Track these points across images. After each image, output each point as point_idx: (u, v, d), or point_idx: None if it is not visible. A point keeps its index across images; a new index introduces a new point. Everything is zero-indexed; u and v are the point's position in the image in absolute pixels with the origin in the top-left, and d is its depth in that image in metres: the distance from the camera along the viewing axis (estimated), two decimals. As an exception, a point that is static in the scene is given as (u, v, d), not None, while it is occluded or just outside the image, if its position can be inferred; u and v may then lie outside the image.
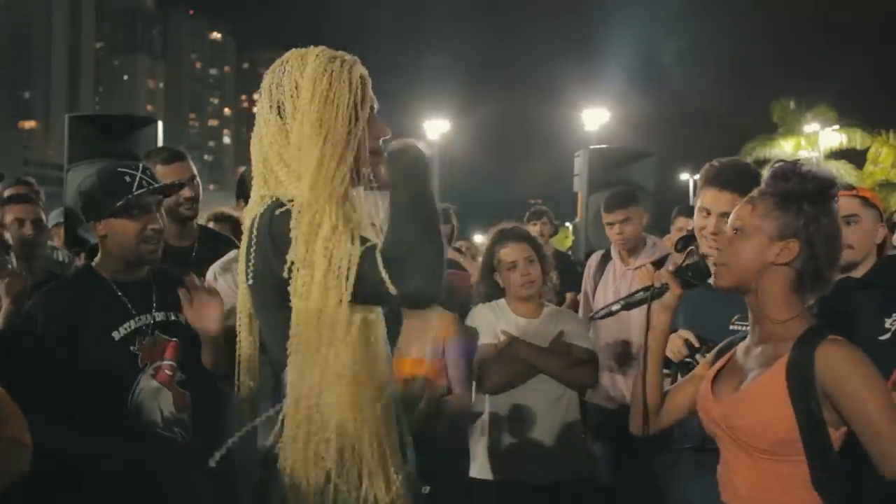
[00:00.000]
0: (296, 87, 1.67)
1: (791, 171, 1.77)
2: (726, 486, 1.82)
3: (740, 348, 1.92)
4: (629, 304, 1.99)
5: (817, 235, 1.73)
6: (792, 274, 1.76)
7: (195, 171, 3.44)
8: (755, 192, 1.82)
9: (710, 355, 2.03)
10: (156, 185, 2.41)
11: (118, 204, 2.32)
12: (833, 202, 1.75)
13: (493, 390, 3.13)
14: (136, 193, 2.34)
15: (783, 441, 1.68)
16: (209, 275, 2.99)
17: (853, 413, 1.64)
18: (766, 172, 1.89)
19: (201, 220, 5.36)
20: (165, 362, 2.41)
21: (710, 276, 1.89)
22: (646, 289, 1.96)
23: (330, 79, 1.65)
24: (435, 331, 3.25)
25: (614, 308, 2.01)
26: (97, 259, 2.47)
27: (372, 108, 1.73)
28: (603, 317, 2.06)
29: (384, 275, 1.52)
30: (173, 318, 2.48)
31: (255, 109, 1.80)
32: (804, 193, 1.74)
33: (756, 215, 1.77)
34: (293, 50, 1.73)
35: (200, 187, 3.44)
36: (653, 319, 1.95)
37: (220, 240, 3.56)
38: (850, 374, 1.65)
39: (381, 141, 1.75)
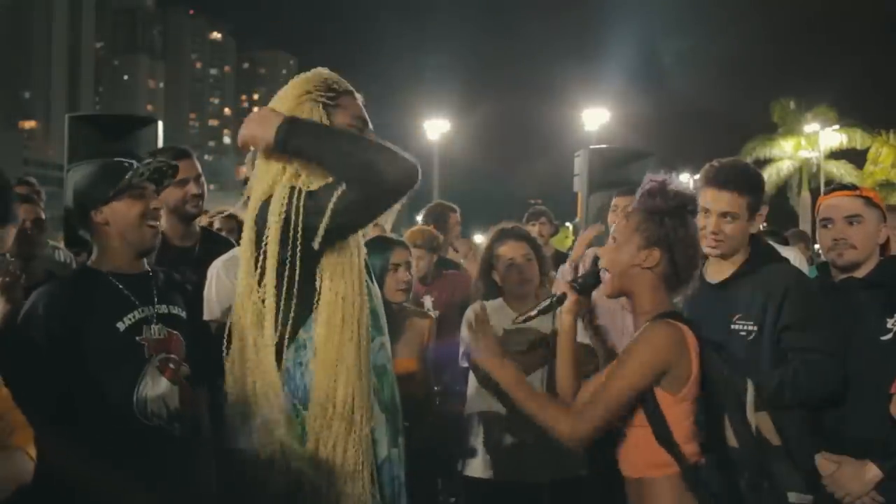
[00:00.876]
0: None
1: (657, 190, 2.09)
2: (625, 458, 2.10)
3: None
4: (542, 310, 2.32)
5: (676, 244, 2.05)
6: (655, 277, 2.07)
7: (200, 170, 3.48)
8: (630, 208, 2.15)
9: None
10: (153, 163, 2.44)
11: (122, 183, 2.34)
12: (690, 216, 2.09)
13: (492, 385, 3.13)
14: (136, 171, 2.36)
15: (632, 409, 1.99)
16: (211, 271, 3.00)
17: (610, 368, 2.04)
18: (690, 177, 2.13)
19: (204, 219, 5.39)
20: (171, 356, 2.41)
21: (599, 282, 2.19)
22: (551, 296, 2.32)
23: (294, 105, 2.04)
24: (420, 332, 3.28)
25: (532, 314, 2.32)
26: (93, 257, 2.47)
27: (361, 123, 2.06)
28: (524, 321, 2.34)
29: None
30: (175, 311, 2.48)
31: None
32: (666, 209, 2.06)
33: (629, 228, 2.09)
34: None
35: (206, 186, 3.47)
36: (559, 322, 2.30)
37: (221, 241, 3.61)
38: (633, 345, 2.00)
39: (356, 120, 2.06)
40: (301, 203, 1.89)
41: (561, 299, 2.29)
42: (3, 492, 1.79)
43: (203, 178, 3.46)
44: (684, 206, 2.09)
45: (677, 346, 1.97)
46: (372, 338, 2.06)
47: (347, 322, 1.93)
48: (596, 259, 2.35)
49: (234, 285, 2.90)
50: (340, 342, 1.91)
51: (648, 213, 2.08)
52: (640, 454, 2.03)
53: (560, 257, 6.00)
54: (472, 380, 3.25)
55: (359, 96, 2.07)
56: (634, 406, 1.98)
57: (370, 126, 2.05)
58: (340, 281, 1.94)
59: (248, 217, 2.04)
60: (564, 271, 4.44)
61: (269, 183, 2.01)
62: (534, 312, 2.32)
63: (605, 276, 2.15)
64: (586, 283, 2.30)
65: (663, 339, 1.98)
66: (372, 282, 2.09)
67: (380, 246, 3.19)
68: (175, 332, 2.44)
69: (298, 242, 1.89)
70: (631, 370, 1.96)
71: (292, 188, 1.93)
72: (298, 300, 1.93)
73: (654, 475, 2.00)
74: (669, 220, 2.06)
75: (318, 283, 1.95)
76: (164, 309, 2.44)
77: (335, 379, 1.90)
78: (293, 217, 1.89)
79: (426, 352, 3.29)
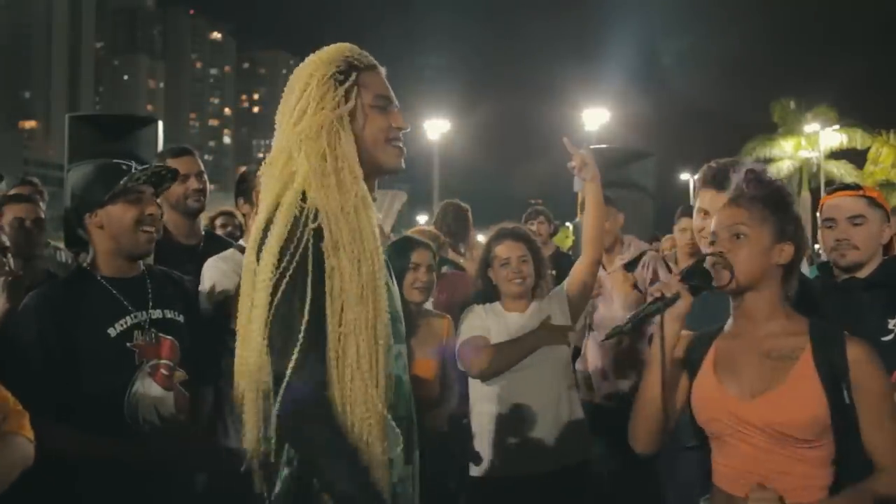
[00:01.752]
0: (292, 87, 1.81)
1: (764, 178, 1.95)
2: (743, 479, 1.84)
3: (724, 346, 1.96)
4: (641, 319, 1.89)
5: (800, 237, 1.92)
6: (784, 272, 1.92)
7: (202, 167, 3.51)
8: (741, 196, 1.93)
9: (675, 353, 1.98)
10: (151, 168, 2.41)
11: (117, 187, 2.31)
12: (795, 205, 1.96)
13: (480, 375, 3.15)
14: (132, 175, 2.33)
15: (822, 430, 1.81)
16: (208, 264, 3.00)
17: (868, 406, 1.81)
18: (734, 175, 1.98)
19: (204, 219, 5.42)
20: (162, 361, 2.38)
21: (712, 279, 1.90)
22: (655, 301, 1.89)
23: (319, 81, 1.76)
24: (438, 332, 3.28)
25: (625, 328, 1.89)
26: (88, 259, 2.44)
27: (385, 100, 1.83)
28: (613, 336, 1.95)
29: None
30: (170, 315, 2.45)
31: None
32: (786, 199, 1.93)
33: (755, 220, 1.89)
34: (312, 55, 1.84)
35: (207, 182, 3.50)
36: (666, 330, 1.90)
37: (224, 242, 3.66)
38: (875, 371, 1.83)
39: (395, 130, 1.84)
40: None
41: (671, 302, 1.88)
42: (8, 477, 1.78)
43: (205, 176, 3.50)
44: (791, 195, 1.98)
45: None
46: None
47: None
48: (697, 257, 2.16)
49: (224, 275, 2.89)
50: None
51: (773, 203, 1.91)
52: (807, 479, 1.83)
53: (561, 256, 6.00)
54: (471, 378, 3.25)
55: (382, 70, 1.87)
56: (829, 425, 1.81)
57: (395, 102, 1.87)
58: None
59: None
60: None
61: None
62: (629, 325, 1.88)
63: (724, 271, 1.88)
64: (702, 283, 1.91)
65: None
66: (392, 283, 1.92)
67: (403, 246, 3.25)
68: (169, 337, 2.40)
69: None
70: (890, 404, 1.83)
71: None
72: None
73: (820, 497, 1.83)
74: (792, 209, 1.92)
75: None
76: (158, 313, 2.41)
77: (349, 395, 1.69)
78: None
79: (444, 352, 3.29)
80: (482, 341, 3.16)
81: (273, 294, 1.62)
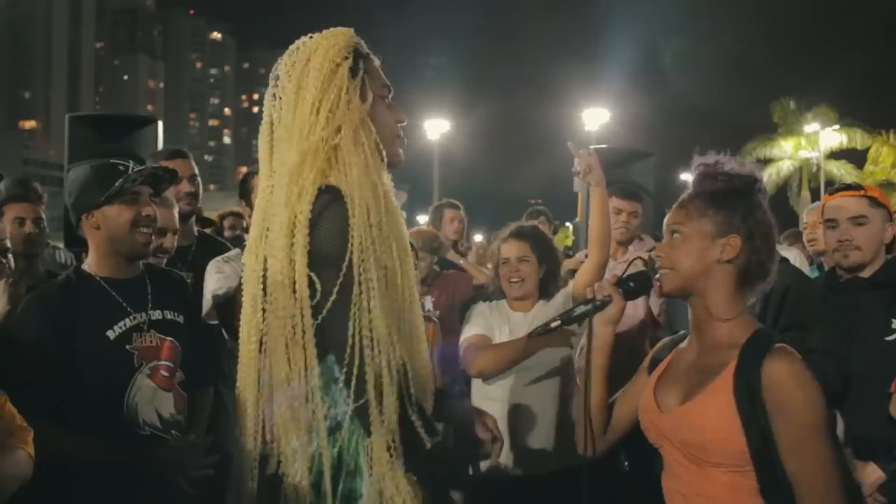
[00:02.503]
0: (307, 70, 1.70)
1: (714, 171, 1.76)
2: (674, 497, 1.77)
3: (678, 353, 1.86)
4: (569, 318, 1.89)
5: (755, 228, 1.72)
6: (735, 271, 1.73)
7: (196, 171, 3.49)
8: (685, 196, 1.80)
9: (646, 361, 1.96)
10: (147, 169, 2.39)
11: (113, 189, 2.29)
12: (761, 196, 1.76)
13: (478, 374, 3.14)
14: (129, 177, 2.31)
15: (733, 453, 1.63)
16: (211, 265, 3.00)
17: (785, 434, 1.60)
18: (690, 176, 1.86)
19: (214, 217, 5.45)
20: (162, 362, 2.37)
21: (652, 284, 1.84)
22: (586, 302, 1.88)
23: (334, 64, 1.69)
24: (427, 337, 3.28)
25: (552, 324, 1.91)
26: (87, 260, 2.42)
27: (387, 91, 1.80)
28: (542, 333, 1.95)
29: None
30: (170, 316, 2.43)
31: (256, 109, 1.82)
32: (734, 189, 1.73)
33: (692, 216, 1.75)
34: (307, 36, 1.75)
35: (201, 186, 3.48)
36: (596, 333, 1.87)
37: (216, 241, 3.68)
38: (792, 392, 1.60)
39: (398, 125, 1.81)
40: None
41: (602, 305, 1.87)
42: (7, 489, 1.79)
43: (199, 179, 3.48)
44: (752, 184, 1.75)
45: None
46: None
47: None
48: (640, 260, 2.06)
49: (227, 275, 2.90)
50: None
51: (715, 196, 1.74)
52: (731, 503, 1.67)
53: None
54: (472, 379, 3.25)
55: (376, 59, 1.80)
56: (745, 451, 1.62)
57: (392, 91, 1.82)
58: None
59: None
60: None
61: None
62: (554, 324, 1.91)
63: (667, 273, 1.78)
64: (638, 287, 1.88)
65: (811, 376, 1.61)
66: None
67: None
68: (169, 338, 2.39)
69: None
70: (814, 430, 1.59)
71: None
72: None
73: None
74: (742, 200, 1.72)
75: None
76: (157, 315, 2.39)
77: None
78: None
79: (431, 355, 3.29)
80: (483, 340, 3.15)
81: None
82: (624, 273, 1.91)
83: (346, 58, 1.69)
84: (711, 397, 1.67)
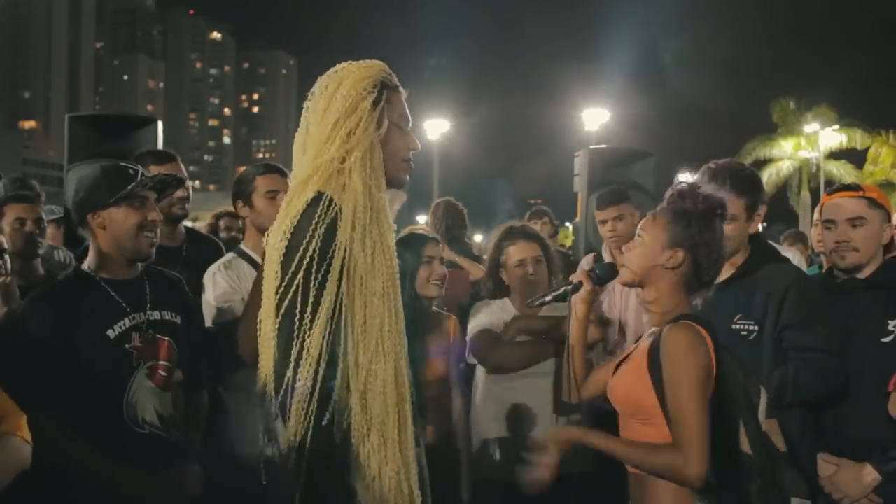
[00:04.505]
0: (335, 93, 1.88)
1: (688, 192, 2.11)
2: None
3: (643, 337, 2.21)
4: (557, 296, 2.41)
5: (700, 247, 2.06)
6: (676, 277, 2.09)
7: (185, 172, 3.49)
8: (658, 208, 2.16)
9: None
10: (158, 176, 2.43)
11: (123, 191, 2.32)
12: (718, 220, 2.10)
13: (497, 368, 3.12)
14: (140, 181, 2.34)
15: (644, 406, 2.00)
16: (207, 276, 3.01)
17: (668, 386, 1.95)
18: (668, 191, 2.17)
19: (209, 219, 5.40)
20: (160, 362, 2.39)
21: (616, 274, 2.25)
22: (567, 283, 2.38)
23: (358, 94, 1.87)
24: (447, 331, 3.25)
25: (546, 299, 2.42)
26: (88, 260, 2.44)
27: (406, 120, 1.96)
28: (537, 305, 2.47)
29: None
30: (168, 317, 2.46)
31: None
32: (694, 212, 2.07)
33: (655, 226, 2.11)
34: (348, 63, 1.94)
35: (190, 189, 3.47)
36: (573, 309, 2.37)
37: (206, 241, 3.67)
38: (673, 356, 1.95)
39: (410, 152, 1.99)
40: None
41: (576, 287, 2.34)
42: (4, 478, 1.78)
43: (188, 181, 3.46)
44: (713, 209, 2.10)
45: (705, 347, 1.97)
46: None
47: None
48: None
49: (229, 286, 2.94)
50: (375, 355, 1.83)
51: (676, 214, 2.09)
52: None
53: (561, 256, 5.99)
54: (476, 380, 3.24)
55: (403, 91, 1.99)
56: (654, 405, 1.98)
57: (410, 121, 1.99)
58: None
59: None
60: (586, 260, 4.42)
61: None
62: (548, 298, 2.41)
63: (623, 269, 2.18)
64: (604, 275, 2.36)
65: (695, 341, 1.96)
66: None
67: (411, 242, 3.12)
68: (167, 338, 2.42)
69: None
70: (691, 383, 1.92)
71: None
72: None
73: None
74: (696, 222, 2.07)
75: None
76: (156, 315, 2.42)
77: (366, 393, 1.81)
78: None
79: (451, 352, 3.28)
80: (496, 334, 3.13)
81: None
82: (601, 263, 2.48)
83: (372, 92, 1.87)
84: (631, 363, 2.10)
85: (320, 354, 1.72)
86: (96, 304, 2.34)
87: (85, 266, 2.43)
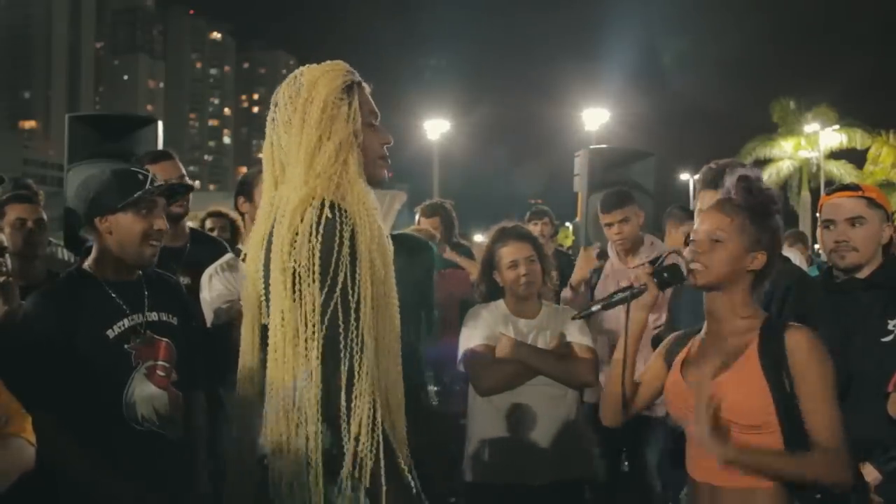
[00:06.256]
0: (309, 102, 1.84)
1: (754, 186, 2.03)
2: (702, 463, 1.98)
3: (697, 343, 2.12)
4: (610, 304, 2.13)
5: (776, 245, 2.04)
6: (755, 278, 2.04)
7: (183, 170, 3.50)
8: (727, 203, 2.04)
9: (660, 349, 2.23)
10: (167, 184, 2.46)
11: (132, 197, 2.34)
12: (780, 215, 2.06)
13: (489, 391, 3.10)
14: (148, 189, 2.36)
15: (760, 416, 1.91)
16: (205, 277, 3.02)
17: (806, 390, 1.90)
18: (728, 178, 2.07)
19: (195, 220, 5.38)
20: (159, 363, 2.42)
21: (685, 277, 2.08)
22: (625, 289, 2.12)
23: (334, 99, 1.84)
24: None
25: (594, 308, 2.18)
26: (90, 260, 2.46)
27: (375, 118, 1.93)
28: (584, 317, 2.27)
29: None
30: (165, 318, 2.48)
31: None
32: (769, 210, 2.02)
33: (734, 228, 2.00)
34: (307, 67, 1.91)
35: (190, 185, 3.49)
36: (633, 317, 2.13)
37: (209, 241, 3.70)
38: (811, 361, 1.91)
39: (384, 147, 1.96)
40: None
41: (637, 292, 2.11)
42: (7, 478, 1.79)
43: (187, 178, 3.48)
44: (776, 204, 2.05)
45: None
46: None
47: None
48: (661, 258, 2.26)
49: (226, 287, 2.95)
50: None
51: (754, 213, 2.01)
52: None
53: (561, 255, 5.99)
54: (470, 382, 3.23)
55: (366, 86, 1.96)
56: (772, 412, 1.91)
57: (378, 117, 1.96)
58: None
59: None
60: (586, 252, 4.38)
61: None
62: (598, 306, 2.17)
63: (701, 271, 2.02)
64: (671, 278, 2.13)
65: (824, 345, 1.93)
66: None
67: (416, 246, 3.23)
68: (165, 339, 2.44)
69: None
70: (832, 387, 1.90)
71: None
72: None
73: (761, 486, 1.91)
74: (773, 222, 2.03)
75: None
76: (154, 316, 2.45)
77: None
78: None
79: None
80: (487, 351, 3.10)
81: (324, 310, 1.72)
82: (659, 264, 2.17)
83: (343, 98, 1.85)
84: (739, 371, 1.95)
85: (367, 368, 1.72)
86: (96, 304, 2.36)
87: (86, 265, 2.45)
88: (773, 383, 1.91)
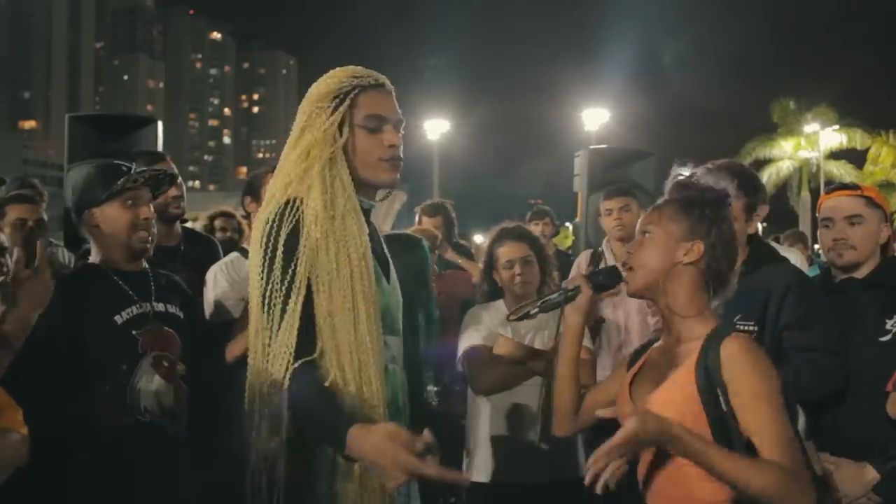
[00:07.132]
0: (302, 107, 1.95)
1: (690, 183, 1.96)
2: (644, 483, 1.86)
3: (654, 350, 1.97)
4: (545, 306, 2.04)
5: (718, 238, 1.85)
6: (697, 273, 1.86)
7: (175, 171, 3.51)
8: (660, 201, 1.96)
9: (625, 359, 2.08)
10: (148, 170, 2.47)
11: (115, 187, 2.36)
12: (729, 210, 1.91)
13: (485, 391, 3.11)
14: (129, 176, 2.39)
15: (702, 433, 1.70)
16: (209, 275, 3.03)
17: (743, 407, 1.71)
18: (668, 185, 2.05)
19: (203, 220, 5.41)
20: (165, 353, 2.43)
21: (621, 279, 1.98)
22: (559, 291, 2.04)
23: (317, 106, 1.90)
24: None
25: (531, 311, 2.05)
26: (93, 255, 2.50)
27: (376, 119, 1.92)
28: (520, 318, 2.08)
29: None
30: (172, 310, 2.50)
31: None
32: (705, 200, 1.89)
33: (663, 219, 1.89)
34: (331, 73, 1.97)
35: (184, 187, 3.51)
36: (566, 321, 2.03)
37: (203, 240, 3.73)
38: (750, 374, 1.71)
39: (391, 149, 1.93)
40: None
41: (571, 295, 2.01)
42: (2, 471, 1.78)
43: (181, 180, 3.49)
44: (723, 197, 1.92)
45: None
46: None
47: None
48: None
49: (230, 286, 2.97)
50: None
51: (684, 203, 1.89)
52: (687, 489, 1.75)
53: (561, 255, 6.00)
54: (468, 382, 3.23)
55: (388, 88, 1.97)
56: (707, 431, 1.70)
57: (392, 119, 1.94)
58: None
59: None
60: (583, 257, 4.42)
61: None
62: (534, 309, 2.03)
63: (633, 272, 1.90)
64: (607, 281, 2.02)
65: (766, 356, 1.75)
66: (388, 281, 2.00)
67: (413, 243, 3.19)
68: (171, 330, 2.46)
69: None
70: (779, 403, 1.70)
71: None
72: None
73: None
74: (709, 210, 1.87)
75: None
76: (161, 307, 2.47)
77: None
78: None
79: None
80: (486, 351, 3.10)
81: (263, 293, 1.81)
82: (600, 267, 2.06)
83: (327, 107, 1.89)
84: (675, 384, 1.78)
85: (291, 352, 1.76)
86: (103, 291, 2.39)
87: (91, 260, 2.49)
88: (709, 403, 1.72)
